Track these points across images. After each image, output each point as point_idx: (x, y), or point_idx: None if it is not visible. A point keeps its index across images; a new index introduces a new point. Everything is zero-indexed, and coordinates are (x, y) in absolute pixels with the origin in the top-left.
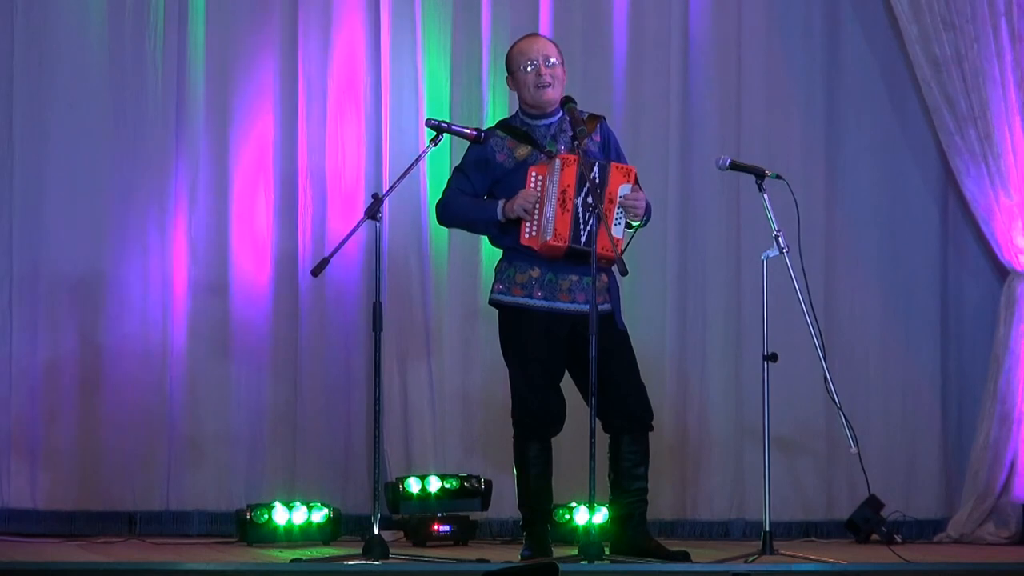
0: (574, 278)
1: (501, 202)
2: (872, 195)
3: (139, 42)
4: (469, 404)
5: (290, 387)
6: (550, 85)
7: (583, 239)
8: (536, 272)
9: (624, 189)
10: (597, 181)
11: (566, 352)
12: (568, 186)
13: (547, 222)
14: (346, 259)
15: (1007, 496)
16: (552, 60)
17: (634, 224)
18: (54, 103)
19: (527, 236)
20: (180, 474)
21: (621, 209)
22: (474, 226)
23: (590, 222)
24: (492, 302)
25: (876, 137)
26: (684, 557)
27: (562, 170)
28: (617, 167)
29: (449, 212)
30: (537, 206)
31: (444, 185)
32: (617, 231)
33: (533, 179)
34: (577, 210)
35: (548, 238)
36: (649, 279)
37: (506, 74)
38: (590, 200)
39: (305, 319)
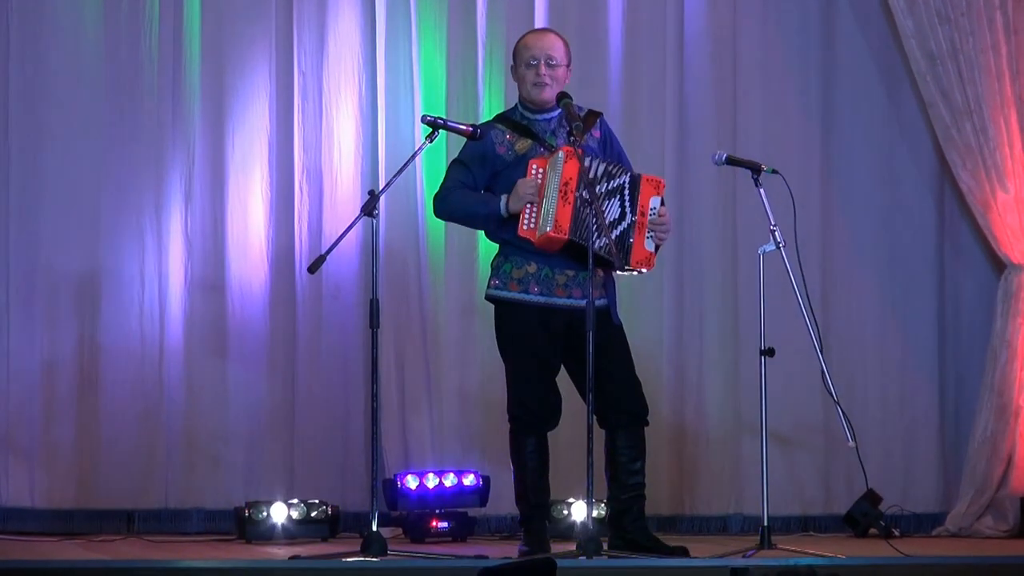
0: (570, 273)
1: (504, 197)
2: (868, 189)
3: (135, 40)
4: (467, 400)
5: (288, 384)
6: (548, 85)
7: (586, 236)
8: (532, 267)
9: (655, 202)
10: (626, 188)
11: (562, 347)
12: (570, 179)
13: (547, 214)
14: (343, 256)
15: (1005, 489)
16: (555, 60)
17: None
18: (50, 102)
19: (525, 228)
20: (178, 472)
21: (651, 228)
22: (474, 220)
23: (593, 219)
24: (488, 297)
25: (872, 131)
26: (683, 553)
27: (565, 162)
28: (648, 179)
29: (448, 204)
30: (536, 197)
31: (441, 180)
32: (649, 245)
33: (534, 171)
34: (579, 204)
35: (548, 229)
36: (646, 274)
37: (512, 64)
38: (586, 195)
39: (302, 316)
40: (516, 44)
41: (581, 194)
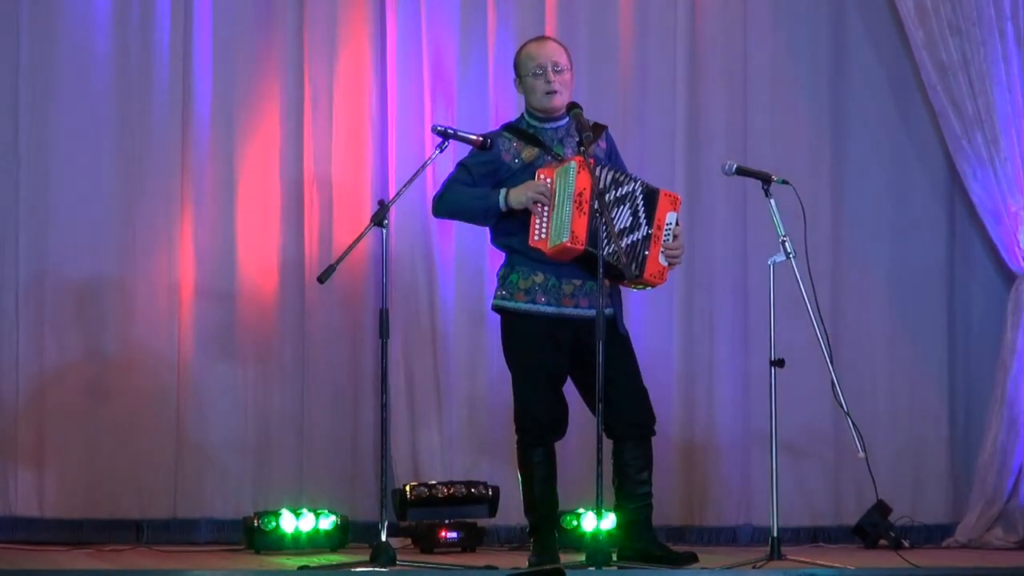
0: (577, 283)
1: (504, 190)
2: (879, 200)
3: (145, 49)
4: (476, 410)
5: (297, 394)
6: (558, 92)
7: (600, 245)
8: (539, 277)
9: (671, 218)
10: (640, 199)
11: (569, 357)
12: (584, 188)
13: (562, 224)
14: (352, 266)
15: (1015, 501)
16: (560, 66)
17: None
18: (59, 111)
19: (536, 238)
20: (187, 482)
21: (667, 238)
22: (472, 214)
23: (604, 228)
24: (495, 307)
25: (883, 142)
26: (692, 559)
27: (578, 172)
28: (666, 194)
29: (445, 201)
30: (546, 206)
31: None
32: (663, 259)
33: (541, 180)
34: (595, 214)
35: (564, 240)
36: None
37: (514, 76)
38: (598, 205)
39: (312, 326)
40: (517, 56)
41: (596, 204)
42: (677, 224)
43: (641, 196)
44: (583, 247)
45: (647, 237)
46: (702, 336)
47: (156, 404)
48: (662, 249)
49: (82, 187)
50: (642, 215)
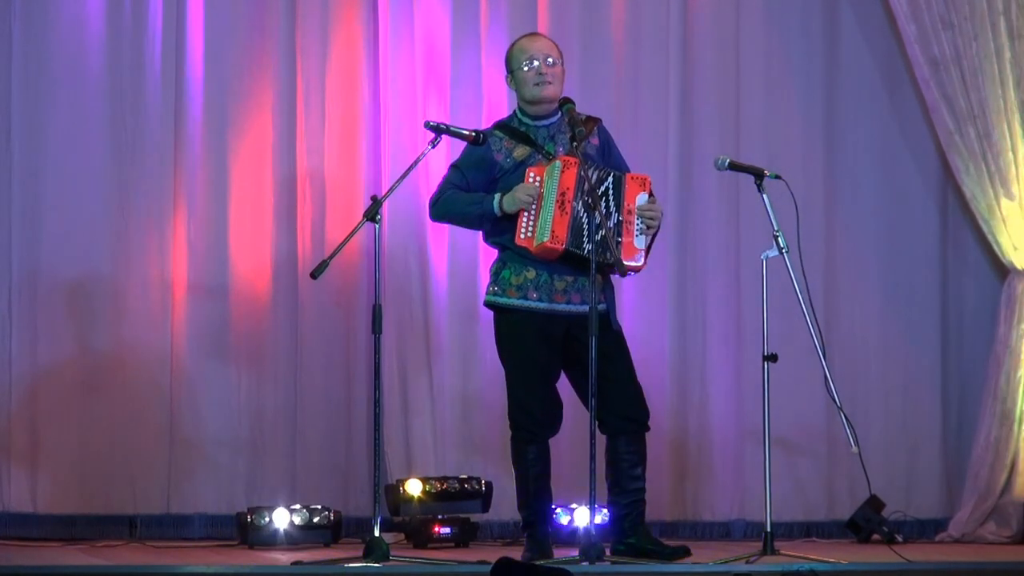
0: (569, 279)
1: (498, 195)
2: (871, 195)
3: (137, 45)
4: (469, 406)
5: (290, 390)
6: (551, 83)
7: (586, 246)
8: (531, 273)
9: (641, 199)
10: (610, 190)
11: (562, 353)
12: (568, 188)
13: (544, 223)
14: (345, 262)
15: (1008, 495)
16: (552, 59)
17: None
18: (52, 107)
19: (522, 237)
20: (181, 477)
21: (640, 220)
22: (468, 220)
23: (595, 229)
24: (487, 303)
25: (875, 136)
26: (684, 552)
27: (562, 172)
28: (632, 177)
29: (441, 206)
30: (535, 204)
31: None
32: (639, 242)
33: (531, 179)
34: (577, 213)
35: (545, 240)
36: (648, 279)
37: (505, 73)
38: (590, 202)
39: (305, 322)
40: (509, 51)
41: (580, 203)
42: (651, 199)
43: (612, 186)
44: (563, 247)
45: (619, 224)
46: (695, 331)
47: (149, 400)
48: (637, 229)
49: (75, 184)
50: (612, 204)
